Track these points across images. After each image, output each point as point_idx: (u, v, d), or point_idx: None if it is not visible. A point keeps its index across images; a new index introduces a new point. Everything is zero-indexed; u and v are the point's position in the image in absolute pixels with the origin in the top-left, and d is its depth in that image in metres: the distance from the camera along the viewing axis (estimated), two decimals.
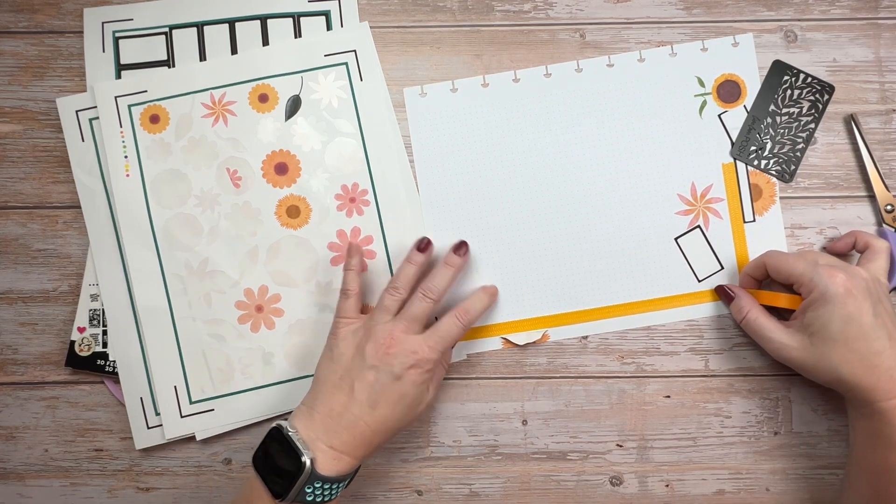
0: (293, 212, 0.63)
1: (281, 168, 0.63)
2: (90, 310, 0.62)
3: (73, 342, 0.62)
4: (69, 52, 0.64)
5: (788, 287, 0.58)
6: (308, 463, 0.51)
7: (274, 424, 0.53)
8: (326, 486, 0.52)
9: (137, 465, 0.62)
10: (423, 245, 0.59)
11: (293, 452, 0.51)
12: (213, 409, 0.61)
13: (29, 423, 0.62)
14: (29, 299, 0.63)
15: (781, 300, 0.58)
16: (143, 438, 0.61)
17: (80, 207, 0.63)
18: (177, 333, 0.62)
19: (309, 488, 0.51)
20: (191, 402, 0.61)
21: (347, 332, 0.56)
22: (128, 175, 0.62)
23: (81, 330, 0.62)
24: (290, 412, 0.62)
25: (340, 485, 0.53)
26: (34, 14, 0.65)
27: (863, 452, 0.55)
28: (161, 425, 0.61)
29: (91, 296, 0.62)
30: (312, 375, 0.61)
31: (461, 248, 0.59)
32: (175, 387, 0.61)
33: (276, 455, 0.52)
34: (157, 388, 0.61)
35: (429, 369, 0.55)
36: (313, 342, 0.62)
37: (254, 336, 0.62)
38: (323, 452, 0.52)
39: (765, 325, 0.57)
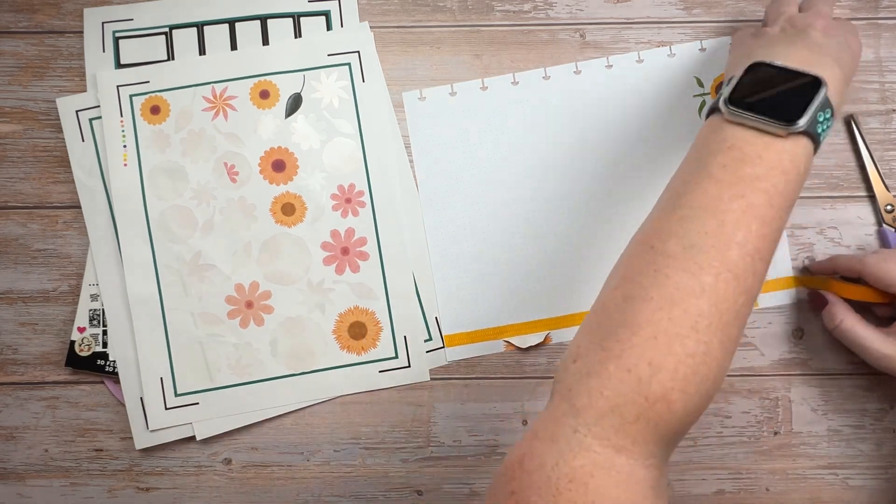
0: (288, 209, 0.63)
1: (278, 165, 0.63)
2: (90, 310, 0.62)
3: (73, 342, 0.62)
4: (69, 52, 0.64)
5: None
6: (823, 78, 0.44)
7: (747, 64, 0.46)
8: (829, 116, 0.45)
9: (137, 465, 0.62)
10: None
11: (793, 74, 0.44)
12: (197, 403, 0.61)
13: (29, 423, 0.62)
14: (29, 299, 0.63)
15: (869, 295, 0.57)
16: (143, 438, 0.61)
17: (80, 207, 0.63)
18: (166, 325, 0.62)
19: (821, 116, 0.44)
20: (176, 395, 0.61)
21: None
22: (125, 165, 0.62)
23: (81, 330, 0.62)
24: (283, 413, 0.62)
25: (833, 118, 0.46)
26: (34, 14, 0.65)
27: None
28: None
29: (91, 296, 0.62)
30: (301, 374, 0.62)
31: None
32: (161, 378, 0.61)
33: (766, 82, 0.45)
34: (143, 378, 0.61)
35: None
36: (302, 341, 0.62)
37: (243, 332, 0.62)
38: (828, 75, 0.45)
39: (861, 335, 0.56)
